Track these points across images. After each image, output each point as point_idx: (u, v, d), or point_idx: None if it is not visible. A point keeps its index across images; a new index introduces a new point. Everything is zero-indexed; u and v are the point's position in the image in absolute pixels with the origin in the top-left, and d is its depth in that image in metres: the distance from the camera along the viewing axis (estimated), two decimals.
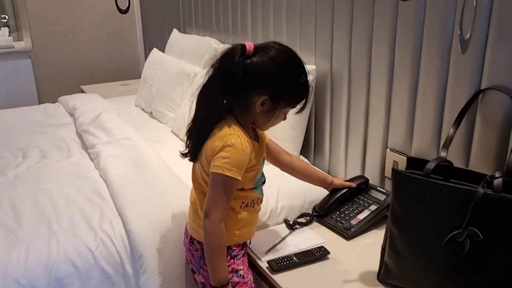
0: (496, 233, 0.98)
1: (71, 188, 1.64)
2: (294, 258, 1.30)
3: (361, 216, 1.46)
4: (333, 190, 1.53)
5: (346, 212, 1.49)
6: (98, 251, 1.35)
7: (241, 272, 1.24)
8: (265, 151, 1.35)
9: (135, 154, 1.79)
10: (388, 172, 1.57)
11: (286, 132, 1.81)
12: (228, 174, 1.12)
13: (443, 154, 1.16)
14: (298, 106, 1.23)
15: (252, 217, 1.30)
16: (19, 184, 1.71)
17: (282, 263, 1.28)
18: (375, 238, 1.40)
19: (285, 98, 1.17)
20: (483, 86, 1.20)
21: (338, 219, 1.48)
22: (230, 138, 1.12)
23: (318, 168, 1.80)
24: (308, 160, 1.92)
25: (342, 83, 1.70)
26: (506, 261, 0.98)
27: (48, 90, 3.90)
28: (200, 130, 1.19)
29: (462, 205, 1.00)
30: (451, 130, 1.23)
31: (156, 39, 3.63)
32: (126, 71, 4.15)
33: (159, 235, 1.37)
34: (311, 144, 1.93)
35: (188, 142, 1.24)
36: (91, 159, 1.90)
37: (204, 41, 2.51)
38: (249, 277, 1.26)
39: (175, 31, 2.94)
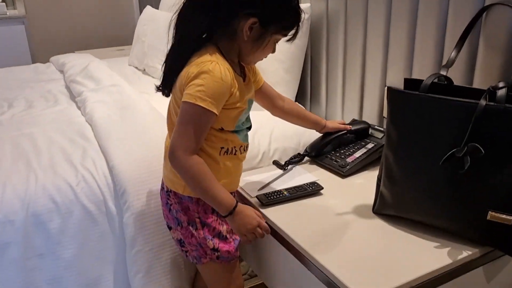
0: (499, 148, 0.90)
1: (54, 132, 1.58)
2: (285, 193, 1.23)
3: (357, 154, 1.38)
4: (327, 132, 1.44)
5: (342, 151, 1.41)
6: (79, 187, 1.28)
7: (224, 233, 1.14)
8: (257, 95, 1.24)
9: (122, 98, 1.71)
10: (386, 112, 1.48)
11: (279, 76, 1.73)
12: (200, 104, 0.96)
13: (442, 73, 1.08)
14: (289, 35, 1.10)
15: (235, 166, 1.14)
16: (1, 130, 1.64)
17: (272, 197, 1.21)
18: (372, 178, 1.33)
19: (275, 22, 1.03)
20: (487, 2, 1.10)
21: (333, 158, 1.40)
22: (208, 65, 0.98)
23: (315, 113, 1.72)
24: (304, 106, 1.84)
25: (339, 22, 1.61)
26: (510, 177, 0.90)
27: (41, 56, 3.81)
28: (176, 58, 1.05)
29: (463, 120, 0.92)
30: (453, 53, 1.14)
31: (151, 1, 3.53)
32: (122, 36, 4.05)
33: (143, 171, 1.30)
34: (307, 89, 1.85)
35: (163, 76, 1.09)
36: (78, 108, 1.83)
37: None
38: (234, 236, 1.15)
39: (148, 8, 2.83)
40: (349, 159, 1.37)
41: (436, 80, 1.04)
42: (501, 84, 0.91)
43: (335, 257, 0.97)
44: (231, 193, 1.14)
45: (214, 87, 0.97)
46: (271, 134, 1.58)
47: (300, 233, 1.07)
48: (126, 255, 1.30)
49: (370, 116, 1.56)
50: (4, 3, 3.98)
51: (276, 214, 1.16)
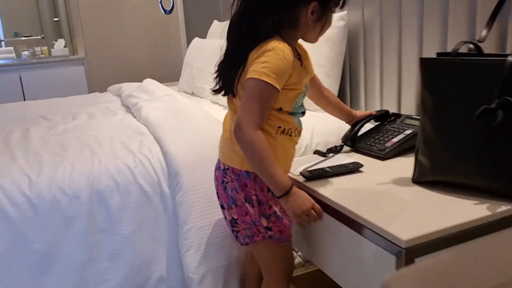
0: None
1: (114, 133, 1.73)
2: (327, 169, 1.30)
3: (396, 139, 1.44)
4: (355, 122, 1.51)
5: (381, 138, 1.47)
6: (137, 170, 1.40)
7: (278, 213, 1.17)
8: (310, 82, 1.29)
9: (174, 104, 1.87)
10: None
11: (321, 79, 1.83)
12: (265, 79, 1.01)
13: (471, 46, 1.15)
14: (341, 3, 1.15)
15: (291, 146, 1.20)
16: (67, 133, 1.82)
17: (315, 173, 1.28)
18: (410, 161, 1.37)
19: None
20: None
21: (372, 144, 1.46)
22: (271, 44, 1.03)
23: None
24: None
25: (374, 28, 1.72)
26: None
27: (98, 91, 4.13)
28: (238, 58, 1.09)
29: (493, 79, 0.98)
30: (484, 31, 1.21)
31: (198, 34, 3.79)
32: (170, 74, 4.33)
33: (194, 155, 1.42)
34: (346, 92, 1.94)
35: (218, 78, 1.16)
36: (134, 117, 2.00)
37: None
38: (287, 218, 1.17)
39: (215, 21, 3.07)
40: (388, 144, 1.43)
41: (467, 51, 1.11)
42: None
43: (382, 215, 1.02)
44: None
45: (278, 64, 1.03)
46: (312, 130, 1.67)
47: (346, 200, 1.12)
48: (178, 233, 1.39)
49: (408, 111, 1.62)
50: (66, 48, 4.39)
51: (319, 187, 1.22)
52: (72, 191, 1.33)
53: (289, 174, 1.33)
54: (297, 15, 1.08)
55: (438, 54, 1.18)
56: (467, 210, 1.00)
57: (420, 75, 1.13)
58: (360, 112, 1.51)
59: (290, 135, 1.18)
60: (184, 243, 1.38)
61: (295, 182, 1.29)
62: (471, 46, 1.14)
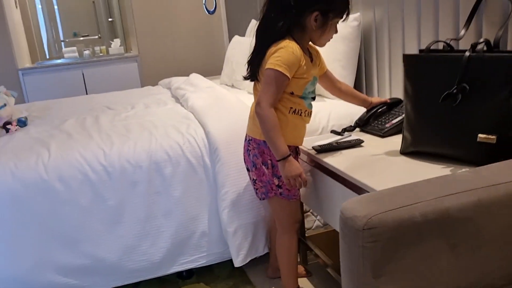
0: (481, 86, 1.23)
1: (166, 118, 2.12)
2: (334, 144, 1.62)
3: (395, 120, 1.74)
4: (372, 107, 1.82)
5: (383, 120, 1.78)
6: (185, 146, 1.78)
7: None
8: (322, 79, 1.65)
9: (215, 93, 2.24)
10: None
11: (338, 72, 2.14)
12: (278, 69, 1.36)
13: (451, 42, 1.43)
14: (344, 16, 1.47)
15: (300, 123, 1.53)
16: (129, 119, 2.23)
17: (324, 146, 1.61)
18: None
19: (332, 9, 1.42)
20: None
21: (375, 125, 1.77)
22: (283, 43, 1.39)
23: None
24: None
25: (383, 26, 2.01)
26: (491, 104, 1.22)
27: (149, 85, 4.60)
28: (260, 51, 1.45)
29: (455, 69, 1.27)
30: (462, 31, 1.49)
31: (238, 32, 4.16)
32: (214, 68, 4.74)
33: (229, 134, 1.78)
34: (362, 82, 2.24)
35: (248, 67, 1.52)
36: (182, 106, 2.39)
37: None
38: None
39: (253, 21, 3.41)
40: (387, 125, 1.73)
41: (442, 48, 1.40)
42: (481, 40, 1.26)
43: (371, 177, 1.35)
44: (295, 147, 1.57)
45: (287, 57, 1.38)
46: (329, 115, 1.99)
47: (342, 165, 1.45)
48: (217, 196, 1.76)
49: None
50: (122, 47, 4.89)
51: (326, 157, 1.55)
52: (135, 162, 1.73)
53: (303, 148, 1.67)
54: (304, 21, 1.43)
55: (420, 50, 1.48)
56: (435, 171, 1.30)
57: (403, 67, 1.43)
58: (376, 98, 1.82)
59: (300, 115, 1.52)
60: (222, 203, 1.75)
61: (308, 154, 1.63)
62: (444, 44, 1.43)
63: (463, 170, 1.26)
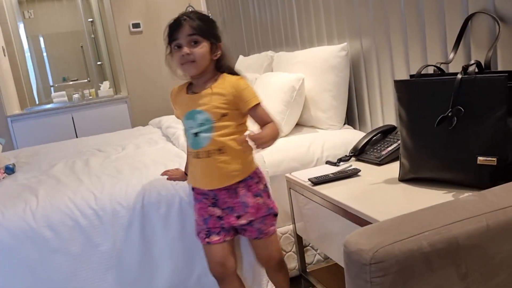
0: (476, 108, 1.22)
1: (158, 157, 2.08)
2: (330, 175, 1.59)
3: (390, 147, 1.71)
4: (365, 135, 1.80)
5: (378, 148, 1.75)
6: (178, 185, 1.73)
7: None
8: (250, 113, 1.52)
9: None
10: None
11: (328, 102, 2.14)
12: None
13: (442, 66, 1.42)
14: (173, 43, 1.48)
15: (193, 162, 1.53)
16: (119, 160, 2.18)
17: (320, 178, 1.57)
18: None
19: (168, 42, 1.50)
20: (470, 11, 1.46)
21: (371, 153, 1.74)
22: None
23: (362, 129, 2.10)
24: (352, 125, 2.22)
25: (371, 55, 2.02)
26: (487, 125, 1.20)
27: (139, 125, 4.57)
28: None
29: (448, 92, 1.26)
30: (451, 55, 1.49)
31: None
32: None
33: None
34: (354, 111, 2.23)
35: None
36: (174, 145, 2.35)
37: (263, 55, 2.97)
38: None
39: (240, 56, 3.44)
40: (383, 152, 1.70)
41: (433, 72, 1.39)
42: (471, 62, 1.25)
43: (372, 207, 1.31)
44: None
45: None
46: (323, 146, 1.96)
47: (344, 196, 1.41)
48: None
49: None
50: (111, 89, 4.90)
51: (324, 190, 1.51)
52: (127, 204, 1.67)
53: (299, 181, 1.63)
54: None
55: (411, 76, 1.47)
56: (437, 197, 1.26)
57: (395, 92, 1.42)
58: None
59: (190, 153, 1.55)
60: None
61: (305, 187, 1.59)
62: (435, 68, 1.42)
63: (466, 194, 1.23)
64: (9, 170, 2.22)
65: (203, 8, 4.51)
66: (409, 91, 1.36)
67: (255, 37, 3.37)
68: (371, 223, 1.23)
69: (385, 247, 0.80)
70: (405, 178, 1.44)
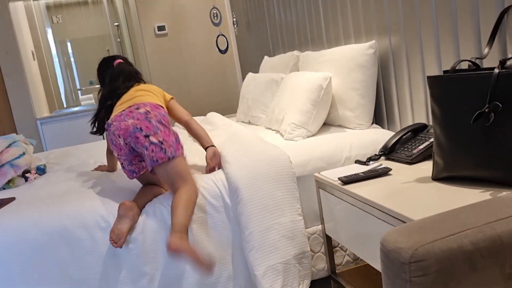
0: None
1: (193, 156, 2.08)
2: (361, 174, 1.56)
3: (422, 146, 1.67)
4: (396, 133, 1.76)
5: (409, 146, 1.71)
6: (205, 188, 1.73)
7: None
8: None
9: (232, 130, 2.20)
10: None
11: (356, 101, 2.11)
12: None
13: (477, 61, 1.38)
14: None
15: None
16: None
17: (350, 177, 1.54)
18: None
19: None
20: (506, 4, 1.42)
21: (402, 152, 1.70)
22: None
23: (391, 129, 2.06)
24: (381, 125, 2.17)
25: (401, 52, 1.98)
26: None
27: None
28: None
29: (484, 88, 1.22)
30: (486, 49, 1.45)
31: (251, 69, 4.18)
32: (229, 108, 4.76)
33: (249, 172, 1.73)
34: (383, 111, 2.19)
35: None
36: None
37: (288, 55, 2.95)
38: None
39: (265, 57, 3.43)
40: (415, 151, 1.66)
41: (467, 67, 1.35)
42: (509, 56, 1.21)
43: (405, 206, 1.27)
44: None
45: None
46: (351, 145, 1.93)
47: (376, 195, 1.38)
48: (241, 238, 1.69)
49: None
50: None
51: (355, 188, 1.48)
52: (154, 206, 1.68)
53: (328, 180, 1.61)
54: None
55: (444, 71, 1.43)
56: (473, 196, 1.22)
57: (429, 89, 1.38)
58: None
59: None
60: (247, 245, 1.67)
61: (335, 186, 1.56)
62: (469, 63, 1.38)
63: (506, 192, 1.19)
64: (40, 170, 2.26)
65: (227, 9, 4.53)
66: (444, 87, 1.32)
67: (280, 37, 3.36)
68: (404, 222, 1.20)
69: (425, 245, 0.78)
70: (439, 176, 1.40)
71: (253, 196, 1.70)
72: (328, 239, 1.78)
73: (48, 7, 4.96)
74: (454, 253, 0.78)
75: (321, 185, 1.69)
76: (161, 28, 4.69)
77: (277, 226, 1.69)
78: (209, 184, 1.75)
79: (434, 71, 1.80)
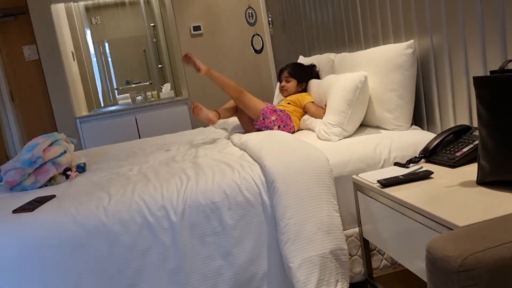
0: None
1: (221, 157, 2.09)
2: (400, 177, 1.52)
3: (465, 149, 1.61)
4: (437, 135, 1.71)
5: (451, 149, 1.66)
6: (242, 184, 1.74)
7: None
8: None
9: (267, 133, 2.20)
10: None
11: (394, 102, 2.06)
12: None
13: None
14: None
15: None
16: (184, 160, 2.21)
17: (390, 180, 1.51)
18: None
19: None
20: None
21: (443, 155, 1.65)
22: None
23: (431, 131, 2.01)
24: (421, 126, 2.13)
25: (443, 52, 1.92)
26: None
27: (199, 127, 4.65)
28: None
29: None
30: None
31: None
32: (264, 99, 4.76)
33: (285, 166, 1.73)
34: (422, 112, 2.13)
35: None
36: (234, 145, 2.36)
37: (324, 57, 2.91)
38: None
39: (300, 57, 3.41)
40: (458, 153, 1.61)
41: None
42: None
43: (450, 211, 1.23)
44: None
45: None
46: (390, 147, 1.89)
47: (417, 199, 1.34)
48: (276, 229, 1.68)
49: None
50: (172, 91, 5.02)
51: (395, 192, 1.45)
52: (193, 203, 1.69)
53: (367, 182, 1.58)
54: None
55: (491, 72, 1.37)
56: None
57: (475, 91, 1.33)
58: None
59: None
60: (282, 237, 1.67)
61: (373, 189, 1.53)
62: None
63: None
64: (80, 168, 2.32)
65: (262, 9, 4.53)
66: (491, 88, 1.27)
67: (316, 37, 3.33)
68: (448, 228, 1.16)
69: (475, 254, 0.75)
70: (485, 181, 1.35)
71: (289, 188, 1.69)
72: (366, 242, 1.75)
73: (87, 8, 5.09)
74: (506, 263, 0.74)
75: (359, 187, 1.66)
76: (196, 28, 4.73)
77: (313, 219, 1.68)
78: (247, 180, 1.75)
79: (479, 72, 1.73)
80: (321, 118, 2.26)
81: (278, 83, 2.78)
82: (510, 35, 1.55)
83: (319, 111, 2.41)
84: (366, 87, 2.08)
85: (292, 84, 2.70)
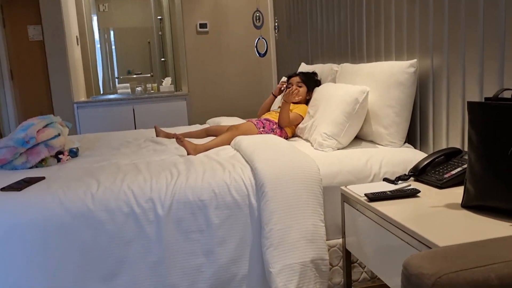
0: None
1: (213, 156, 2.10)
2: (388, 192, 1.54)
3: (454, 171, 1.64)
4: (429, 155, 1.73)
5: (441, 170, 1.68)
6: (232, 184, 1.75)
7: None
8: None
9: (262, 136, 2.21)
10: None
11: (391, 119, 2.08)
12: None
13: None
14: None
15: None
16: (177, 155, 2.23)
17: (377, 195, 1.53)
18: None
19: None
20: None
21: (432, 175, 1.67)
22: None
23: (424, 151, 2.03)
24: (413, 144, 2.14)
25: (442, 74, 1.94)
26: None
27: (196, 123, 4.66)
28: None
29: None
30: None
31: (286, 74, 4.18)
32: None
33: (275, 170, 1.74)
34: (416, 131, 2.15)
35: None
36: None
37: (326, 67, 2.93)
38: None
39: (302, 64, 3.43)
40: (446, 175, 1.63)
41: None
42: None
43: (431, 230, 1.25)
44: None
45: None
46: (381, 162, 1.91)
47: (401, 216, 1.36)
48: (261, 233, 1.69)
49: None
50: (172, 85, 5.03)
51: (381, 207, 1.47)
52: (181, 198, 1.70)
53: (355, 195, 1.59)
54: None
55: (486, 98, 1.40)
56: (503, 229, 1.19)
57: (468, 116, 1.35)
58: None
59: None
60: (265, 242, 1.68)
61: (360, 202, 1.55)
62: None
63: None
64: (73, 153, 2.32)
65: (270, 13, 4.55)
66: (484, 115, 1.29)
67: (320, 45, 3.35)
68: (428, 247, 1.18)
69: (449, 274, 0.76)
70: (469, 204, 1.37)
71: (277, 194, 1.71)
72: (348, 254, 1.76)
73: None
74: (479, 286, 0.76)
75: (346, 199, 1.68)
76: (203, 25, 4.75)
77: (298, 227, 1.69)
78: (237, 181, 1.77)
79: (475, 97, 1.76)
80: (284, 122, 2.51)
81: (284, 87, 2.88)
82: (508, 65, 1.57)
83: (290, 117, 2.57)
84: (366, 102, 2.10)
85: (303, 90, 2.74)
